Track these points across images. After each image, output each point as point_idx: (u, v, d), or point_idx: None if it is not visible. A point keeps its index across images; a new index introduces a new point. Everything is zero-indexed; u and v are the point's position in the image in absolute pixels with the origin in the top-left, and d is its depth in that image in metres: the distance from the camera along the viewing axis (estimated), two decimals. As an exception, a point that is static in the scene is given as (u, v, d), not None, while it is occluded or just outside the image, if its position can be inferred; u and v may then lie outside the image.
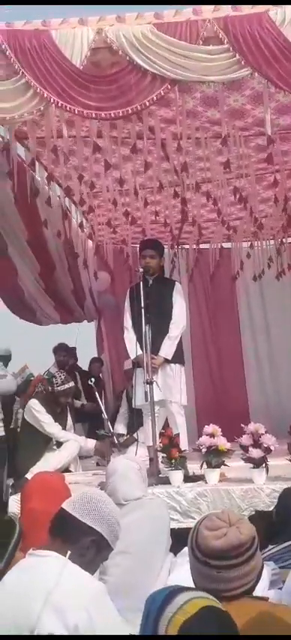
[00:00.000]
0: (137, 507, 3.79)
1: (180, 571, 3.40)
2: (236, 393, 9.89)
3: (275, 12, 4.61)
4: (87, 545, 2.49)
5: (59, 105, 4.81)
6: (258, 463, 4.85)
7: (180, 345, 5.94)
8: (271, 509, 4.57)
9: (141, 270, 5.87)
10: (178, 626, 1.75)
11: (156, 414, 5.61)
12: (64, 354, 9.13)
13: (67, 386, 6.64)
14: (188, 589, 1.91)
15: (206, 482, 4.97)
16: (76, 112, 4.87)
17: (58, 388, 6.58)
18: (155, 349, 5.68)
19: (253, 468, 4.87)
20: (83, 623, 2.23)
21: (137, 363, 5.72)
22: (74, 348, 9.54)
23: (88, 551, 2.49)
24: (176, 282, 6.36)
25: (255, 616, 2.03)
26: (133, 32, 4.69)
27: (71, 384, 6.75)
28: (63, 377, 6.67)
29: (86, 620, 2.24)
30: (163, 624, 1.78)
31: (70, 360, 9.22)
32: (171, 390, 5.80)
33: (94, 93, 4.77)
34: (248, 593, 2.19)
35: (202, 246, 9.93)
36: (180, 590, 1.88)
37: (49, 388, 6.63)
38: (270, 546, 3.60)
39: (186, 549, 3.51)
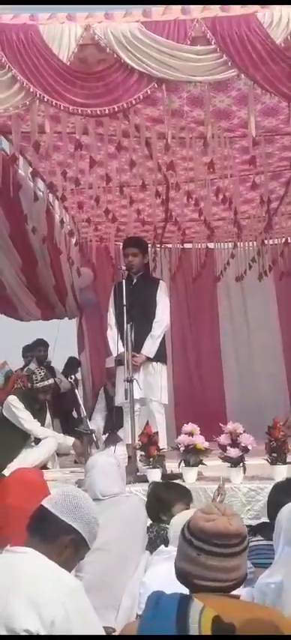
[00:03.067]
0: (114, 505, 3.79)
1: (156, 569, 3.41)
2: (215, 394, 9.90)
3: (263, 14, 4.63)
4: (66, 544, 2.48)
5: (45, 100, 4.80)
6: (235, 462, 4.88)
7: (163, 343, 5.95)
8: (247, 508, 4.62)
9: (123, 268, 5.86)
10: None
11: (137, 412, 5.61)
12: (44, 349, 9.13)
13: (46, 383, 6.63)
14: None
15: (184, 481, 4.97)
16: (62, 108, 4.87)
17: (38, 385, 6.55)
18: (138, 347, 5.69)
19: (231, 467, 4.89)
20: (60, 619, 2.23)
21: (119, 361, 5.72)
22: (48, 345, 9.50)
23: (67, 550, 2.48)
24: (161, 281, 6.36)
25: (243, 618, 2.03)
26: (121, 30, 4.69)
27: (50, 381, 6.74)
28: (43, 374, 6.65)
29: (63, 616, 2.24)
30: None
31: (47, 356, 9.19)
32: (152, 388, 5.81)
33: (80, 89, 4.77)
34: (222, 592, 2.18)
35: (185, 245, 9.93)
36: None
37: (29, 385, 6.60)
38: (258, 536, 3.60)
39: (162, 547, 3.53)
